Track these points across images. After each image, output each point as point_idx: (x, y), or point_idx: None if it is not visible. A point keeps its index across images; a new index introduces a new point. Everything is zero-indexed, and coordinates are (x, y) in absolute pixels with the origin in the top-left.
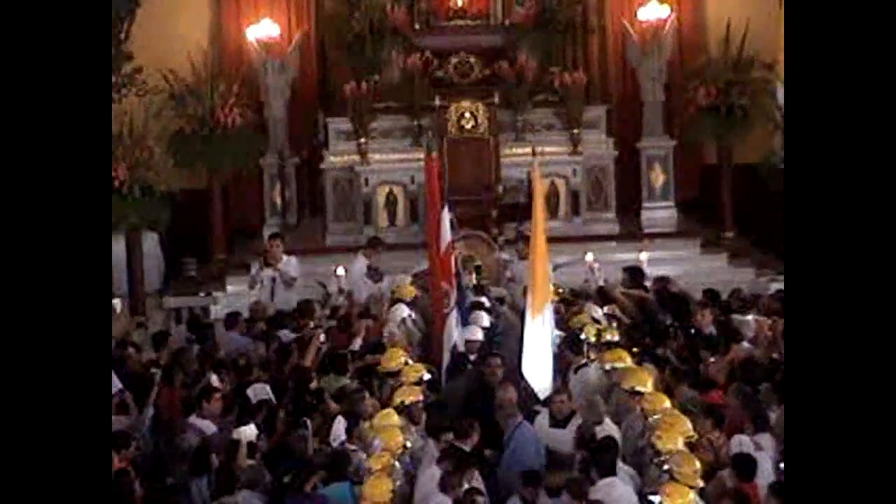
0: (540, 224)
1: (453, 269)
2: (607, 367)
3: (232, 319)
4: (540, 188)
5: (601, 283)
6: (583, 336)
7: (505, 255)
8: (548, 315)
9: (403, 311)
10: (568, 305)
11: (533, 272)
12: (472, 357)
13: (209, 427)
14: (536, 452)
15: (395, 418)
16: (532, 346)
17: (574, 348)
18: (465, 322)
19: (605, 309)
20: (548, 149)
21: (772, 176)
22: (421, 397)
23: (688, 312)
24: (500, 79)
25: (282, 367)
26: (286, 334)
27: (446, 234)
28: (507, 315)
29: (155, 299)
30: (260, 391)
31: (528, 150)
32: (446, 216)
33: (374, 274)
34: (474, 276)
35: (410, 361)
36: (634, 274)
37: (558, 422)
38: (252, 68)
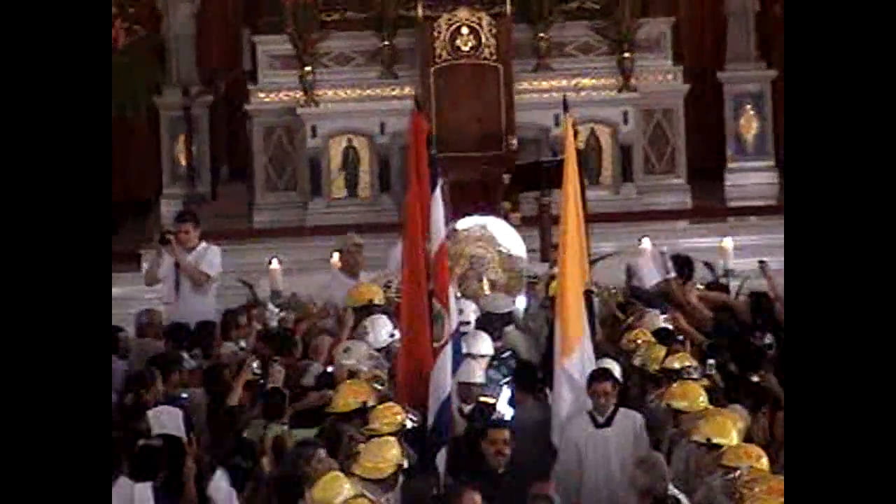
0: (574, 204)
1: (451, 281)
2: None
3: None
4: (573, 147)
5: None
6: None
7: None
8: (584, 352)
9: (382, 325)
10: (618, 316)
11: (562, 285)
12: (466, 409)
13: None
14: None
15: (347, 486)
16: (565, 402)
17: (647, 380)
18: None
19: (663, 318)
20: (585, 82)
21: None
22: (398, 454)
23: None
24: None
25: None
26: (188, 361)
27: (439, 225)
28: (511, 339)
29: None
30: (165, 420)
31: (556, 82)
32: (439, 198)
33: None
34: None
35: (371, 401)
36: (682, 267)
37: None
38: None
